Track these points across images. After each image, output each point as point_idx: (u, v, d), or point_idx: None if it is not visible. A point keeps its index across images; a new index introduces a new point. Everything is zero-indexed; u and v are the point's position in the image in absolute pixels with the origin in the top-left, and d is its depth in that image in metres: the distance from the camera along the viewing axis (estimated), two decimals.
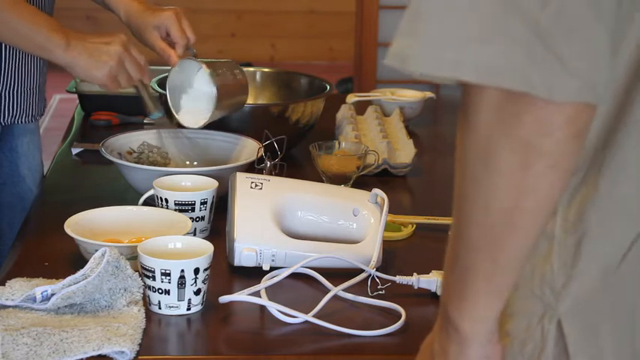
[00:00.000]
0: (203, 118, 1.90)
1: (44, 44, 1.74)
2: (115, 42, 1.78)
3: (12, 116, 1.90)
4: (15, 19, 1.72)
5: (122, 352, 1.30)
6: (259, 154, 1.85)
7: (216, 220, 1.69)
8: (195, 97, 1.94)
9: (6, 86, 1.87)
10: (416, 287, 1.50)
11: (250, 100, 2.28)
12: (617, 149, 0.93)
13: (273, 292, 1.47)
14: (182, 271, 1.40)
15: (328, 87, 2.19)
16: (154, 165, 1.92)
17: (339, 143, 2.00)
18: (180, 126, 1.96)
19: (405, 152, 2.09)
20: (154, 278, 1.41)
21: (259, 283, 1.48)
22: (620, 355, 0.96)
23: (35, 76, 1.93)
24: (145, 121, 2.29)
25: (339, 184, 1.89)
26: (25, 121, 1.93)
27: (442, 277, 1.00)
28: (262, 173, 1.80)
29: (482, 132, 0.88)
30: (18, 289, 1.42)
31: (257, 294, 1.45)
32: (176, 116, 1.94)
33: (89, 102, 2.40)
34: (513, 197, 0.89)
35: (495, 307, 0.96)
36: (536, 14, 0.83)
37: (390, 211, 1.64)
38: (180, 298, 1.42)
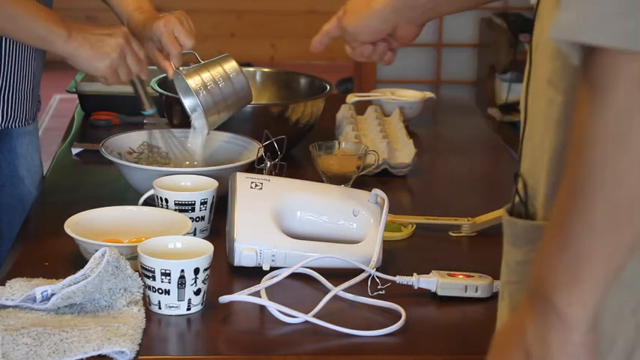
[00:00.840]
0: (204, 127, 1.92)
1: (45, 36, 1.74)
2: (116, 34, 1.78)
3: (5, 121, 1.89)
4: (16, 12, 1.72)
5: (122, 352, 1.30)
6: (259, 154, 1.85)
7: (216, 220, 1.69)
8: (193, 106, 1.95)
9: (1, 90, 1.87)
10: (416, 287, 1.50)
11: (252, 101, 2.28)
12: None
13: (273, 292, 1.47)
14: (182, 271, 1.40)
15: (328, 87, 2.19)
16: (154, 165, 1.92)
17: (339, 143, 2.00)
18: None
19: (405, 152, 2.09)
20: (154, 278, 1.41)
21: (259, 283, 1.48)
22: None
23: (28, 80, 1.92)
24: (145, 121, 2.29)
25: (339, 184, 1.89)
26: (18, 126, 1.93)
27: (541, 264, 0.96)
28: (262, 173, 1.80)
29: (621, 108, 0.87)
30: (18, 289, 1.42)
31: (257, 294, 1.45)
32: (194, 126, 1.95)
33: (89, 102, 2.40)
34: None
35: (605, 292, 0.93)
36: None
37: (390, 211, 1.64)
38: (180, 298, 1.42)
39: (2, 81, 1.86)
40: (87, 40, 1.76)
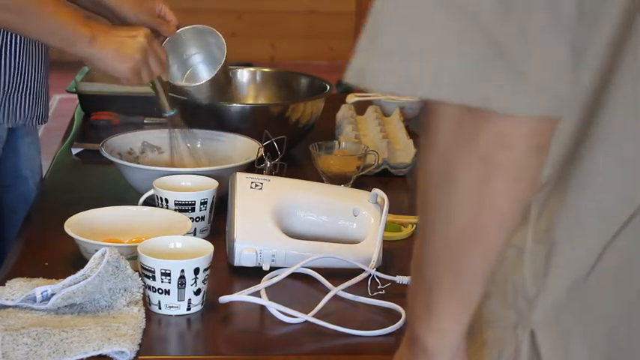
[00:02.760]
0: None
1: (69, 38, 1.73)
2: (139, 35, 1.78)
3: (22, 118, 1.90)
4: (40, 13, 1.72)
5: (122, 352, 1.30)
6: (259, 154, 1.85)
7: (216, 220, 1.69)
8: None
9: (15, 88, 1.87)
10: None
11: (250, 100, 2.28)
12: (584, 161, 0.92)
13: (273, 292, 1.47)
14: (182, 271, 1.40)
15: (328, 87, 2.19)
16: (154, 165, 1.92)
17: (339, 143, 2.00)
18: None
19: (405, 152, 2.09)
20: (154, 278, 1.41)
21: (259, 283, 1.48)
22: None
23: (42, 78, 1.93)
24: (145, 121, 2.29)
25: (339, 184, 1.89)
26: (35, 123, 1.94)
27: (409, 291, 0.99)
28: (262, 173, 1.80)
29: (443, 147, 0.88)
30: (18, 289, 1.42)
31: (257, 294, 1.45)
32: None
33: (89, 102, 2.40)
34: (474, 212, 0.88)
35: (461, 322, 0.95)
36: (496, 29, 0.82)
37: (390, 211, 1.64)
38: (180, 298, 1.42)
39: (21, 78, 1.87)
40: (110, 42, 1.75)
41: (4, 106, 1.86)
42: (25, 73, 1.88)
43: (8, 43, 1.84)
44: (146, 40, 1.78)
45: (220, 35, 1.96)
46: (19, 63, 1.87)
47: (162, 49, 1.84)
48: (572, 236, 0.94)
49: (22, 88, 1.88)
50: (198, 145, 1.99)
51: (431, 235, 0.93)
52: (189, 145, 1.96)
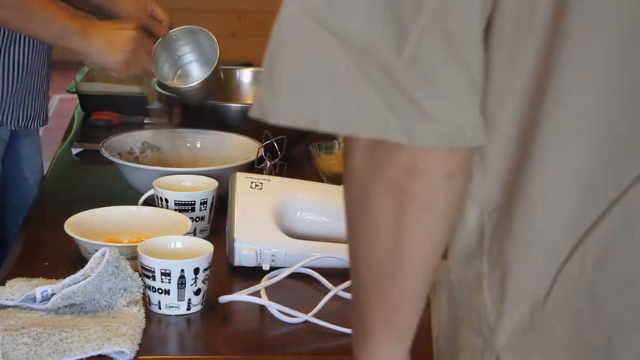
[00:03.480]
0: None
1: (61, 32, 1.75)
2: (129, 27, 1.80)
3: (25, 120, 1.90)
4: (31, 9, 1.73)
5: (122, 352, 1.30)
6: (259, 154, 1.85)
7: (216, 220, 1.69)
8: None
9: (19, 91, 1.88)
10: None
11: (250, 100, 2.28)
12: (527, 183, 0.90)
13: (273, 292, 1.47)
14: (182, 271, 1.40)
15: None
16: (154, 165, 1.92)
17: (339, 143, 2.00)
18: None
19: None
20: (154, 278, 1.41)
21: (259, 283, 1.48)
22: None
23: (43, 81, 1.94)
24: (145, 121, 2.29)
25: (339, 184, 1.88)
26: (35, 126, 1.94)
27: (350, 315, 0.99)
28: (262, 173, 1.80)
29: (358, 176, 0.88)
30: (18, 289, 1.42)
31: (257, 294, 1.45)
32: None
33: (89, 102, 2.40)
34: (392, 240, 0.88)
35: (398, 345, 0.95)
36: (392, 61, 0.82)
37: None
38: (180, 298, 1.42)
39: (25, 80, 1.87)
40: (102, 35, 1.78)
41: (8, 109, 1.86)
42: (28, 76, 1.89)
43: (12, 46, 1.85)
44: (136, 33, 1.80)
45: (213, 36, 1.96)
46: (22, 66, 1.87)
47: (151, 42, 1.85)
48: (523, 261, 0.92)
49: (25, 90, 1.89)
50: (198, 145, 1.99)
51: (356, 264, 0.93)
52: (171, 141, 1.97)
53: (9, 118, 1.87)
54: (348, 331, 1.39)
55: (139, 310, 1.40)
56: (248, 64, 2.45)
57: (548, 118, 0.87)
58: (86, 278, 1.39)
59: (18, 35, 1.84)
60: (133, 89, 2.33)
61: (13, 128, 1.90)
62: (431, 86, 0.83)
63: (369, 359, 0.97)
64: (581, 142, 0.88)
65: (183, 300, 1.42)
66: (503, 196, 0.92)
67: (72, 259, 1.55)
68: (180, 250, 1.48)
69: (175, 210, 1.66)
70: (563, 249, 0.91)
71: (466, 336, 0.98)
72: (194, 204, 1.67)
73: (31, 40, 1.86)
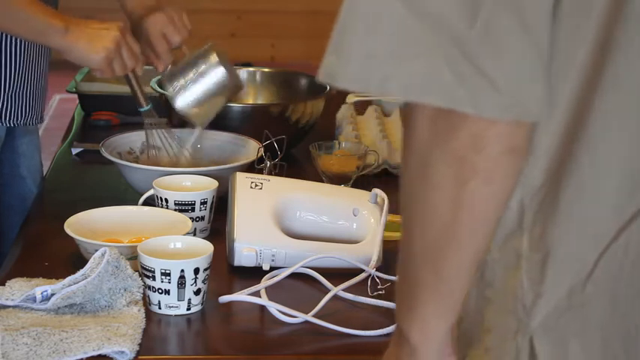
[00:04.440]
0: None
1: (42, 29, 1.74)
2: (113, 27, 1.79)
3: (23, 117, 1.90)
4: (12, 6, 1.73)
5: (122, 352, 1.30)
6: (259, 154, 1.85)
7: (216, 220, 1.69)
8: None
9: (17, 88, 1.88)
10: None
11: (250, 100, 2.28)
12: (575, 167, 0.91)
13: (273, 292, 1.47)
14: (182, 271, 1.40)
15: (328, 87, 2.19)
16: (154, 165, 1.92)
17: (339, 143, 2.00)
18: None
19: None
20: (153, 278, 1.41)
21: (259, 283, 1.48)
22: None
23: (41, 78, 1.94)
24: (145, 121, 2.29)
25: (339, 184, 1.89)
26: (33, 123, 1.94)
27: (396, 288, 1.00)
28: (262, 173, 1.80)
29: (420, 146, 0.88)
30: (18, 289, 1.42)
31: (257, 294, 1.45)
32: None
33: (89, 102, 2.40)
34: (450, 212, 0.89)
35: (444, 320, 0.96)
36: (463, 31, 0.83)
37: (390, 211, 1.64)
38: (180, 298, 1.42)
39: (20, 78, 1.87)
40: (84, 34, 1.76)
41: (5, 106, 1.86)
42: (25, 73, 1.89)
43: (10, 43, 1.85)
44: (119, 32, 1.78)
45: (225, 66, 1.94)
46: (20, 63, 1.87)
47: (136, 43, 1.83)
48: (567, 243, 0.93)
49: (23, 88, 1.89)
50: (198, 145, 1.99)
51: (411, 235, 0.94)
52: (168, 141, 1.96)
53: (6, 116, 1.87)
54: (348, 331, 1.39)
55: (139, 310, 1.40)
56: (248, 64, 2.45)
57: (602, 99, 0.88)
58: (86, 278, 1.39)
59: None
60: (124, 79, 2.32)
61: (10, 125, 1.90)
62: (501, 58, 0.84)
63: (414, 333, 0.97)
64: (632, 125, 0.89)
65: (183, 300, 1.42)
66: (547, 177, 0.93)
67: (72, 259, 1.55)
68: (180, 250, 1.48)
69: (175, 210, 1.66)
70: (609, 232, 0.92)
71: (495, 317, 0.99)
72: (194, 204, 1.67)
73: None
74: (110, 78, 1.85)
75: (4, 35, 1.83)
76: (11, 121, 1.88)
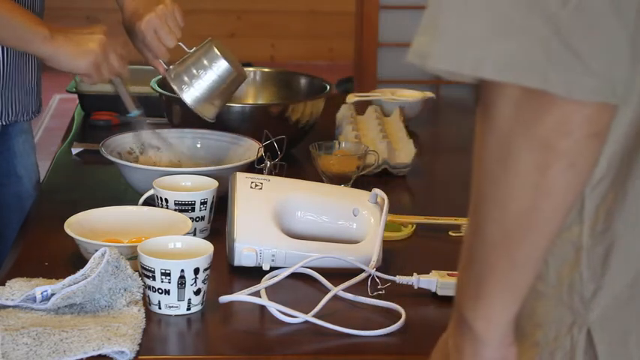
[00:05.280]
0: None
1: (24, 35, 1.73)
2: (98, 32, 1.77)
3: (14, 114, 1.90)
4: None
5: (122, 352, 1.30)
6: (259, 154, 1.85)
7: (216, 220, 1.69)
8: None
9: (8, 85, 1.87)
10: (416, 287, 1.50)
11: (250, 100, 2.28)
12: None
13: (273, 292, 1.47)
14: (182, 271, 1.40)
15: (328, 87, 2.19)
16: (155, 165, 1.92)
17: (339, 143, 2.00)
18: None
19: (405, 152, 2.09)
20: (153, 278, 1.41)
21: (259, 283, 1.48)
22: None
23: (31, 74, 1.93)
24: (145, 122, 2.29)
25: (339, 184, 1.89)
26: (24, 119, 1.94)
27: (457, 276, 0.99)
28: (262, 173, 1.80)
29: (502, 130, 0.88)
30: (18, 289, 1.42)
31: (257, 294, 1.45)
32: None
33: (89, 102, 2.40)
34: (530, 197, 0.88)
35: (510, 308, 0.95)
36: (557, 11, 0.83)
37: (390, 211, 1.64)
38: (180, 298, 1.42)
39: (6, 76, 1.87)
40: (69, 40, 1.75)
41: None
42: (14, 69, 1.88)
43: None
44: (104, 35, 1.77)
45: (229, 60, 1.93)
46: (8, 59, 1.86)
47: (122, 46, 1.82)
48: (632, 234, 0.93)
49: (12, 84, 1.88)
50: (198, 145, 1.99)
51: (485, 220, 0.93)
52: (157, 144, 1.96)
53: None
54: (348, 331, 1.39)
55: (139, 310, 1.40)
56: (248, 64, 2.45)
57: None
58: (86, 278, 1.39)
59: None
60: (133, 90, 2.32)
61: (2, 124, 1.89)
62: (593, 39, 0.84)
63: (479, 321, 0.96)
64: None
65: (183, 300, 1.42)
66: (610, 168, 0.93)
67: (72, 259, 1.55)
68: (180, 250, 1.48)
69: (175, 210, 1.66)
70: None
71: (547, 310, 0.99)
72: (194, 204, 1.67)
73: None
74: (97, 83, 1.83)
75: None
76: (3, 119, 1.88)
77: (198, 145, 1.99)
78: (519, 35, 0.84)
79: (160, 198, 1.68)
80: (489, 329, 0.96)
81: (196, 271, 1.41)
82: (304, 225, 1.63)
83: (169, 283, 1.40)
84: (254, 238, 1.56)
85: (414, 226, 1.76)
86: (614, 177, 0.94)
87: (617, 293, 0.95)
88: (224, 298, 1.43)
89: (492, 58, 0.85)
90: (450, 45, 0.87)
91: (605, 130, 0.87)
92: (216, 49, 1.93)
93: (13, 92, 1.89)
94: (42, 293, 1.40)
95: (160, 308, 1.42)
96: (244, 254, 1.55)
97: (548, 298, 0.99)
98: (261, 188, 1.62)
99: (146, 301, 1.43)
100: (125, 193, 1.85)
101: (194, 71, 1.91)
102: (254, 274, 1.54)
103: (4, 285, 1.44)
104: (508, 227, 0.91)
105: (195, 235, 1.65)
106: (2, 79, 1.87)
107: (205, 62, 1.92)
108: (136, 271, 1.43)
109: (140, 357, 1.31)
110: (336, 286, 1.49)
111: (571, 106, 0.84)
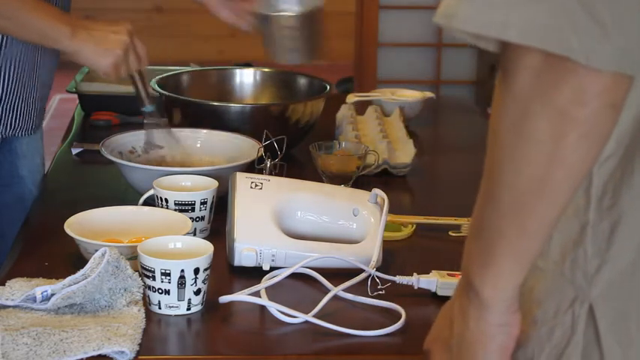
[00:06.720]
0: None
1: (48, 33, 1.75)
2: (120, 31, 1.79)
3: (13, 129, 1.90)
4: (17, 9, 1.72)
5: (122, 352, 1.30)
6: (259, 154, 1.85)
7: (216, 220, 1.69)
8: None
9: (8, 100, 1.87)
10: (416, 287, 1.50)
11: (250, 100, 2.28)
12: None
13: (273, 292, 1.47)
14: (182, 271, 1.40)
15: (328, 87, 2.19)
16: (154, 165, 1.92)
17: (339, 143, 2.00)
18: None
19: (405, 152, 2.09)
20: (153, 278, 1.41)
21: (259, 283, 1.48)
22: None
23: (35, 89, 1.92)
24: (145, 121, 2.29)
25: (339, 184, 1.89)
26: (24, 134, 1.93)
27: (466, 244, 1.00)
28: (262, 173, 1.80)
29: (520, 97, 0.89)
30: (18, 289, 1.42)
31: (257, 294, 1.45)
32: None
33: (89, 102, 2.40)
34: (545, 166, 0.89)
35: (517, 275, 0.96)
36: None
37: (390, 211, 1.64)
38: (180, 298, 1.42)
39: (11, 90, 1.86)
40: (91, 37, 1.77)
41: None
42: (17, 87, 1.87)
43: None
44: (127, 36, 1.79)
45: None
46: (10, 75, 1.86)
47: (142, 45, 1.83)
48: (639, 211, 0.94)
49: (12, 99, 1.87)
50: (198, 145, 1.99)
51: (498, 187, 0.94)
52: (161, 144, 1.96)
53: None
54: (348, 331, 1.39)
55: (139, 310, 1.40)
56: (248, 64, 2.45)
57: None
58: (86, 278, 1.39)
59: (3, 43, 1.82)
60: (133, 90, 2.32)
61: (1, 137, 1.89)
62: (617, 9, 0.85)
63: (487, 287, 0.97)
64: None
65: (183, 300, 1.42)
66: (619, 146, 0.94)
67: (72, 259, 1.55)
68: (180, 250, 1.48)
69: (175, 210, 1.66)
70: None
71: (547, 287, 0.99)
72: (194, 204, 1.67)
73: (20, 49, 1.84)
74: (112, 79, 1.85)
75: None
76: (3, 132, 1.88)
77: (198, 145, 1.99)
78: (545, 1, 0.85)
79: (160, 198, 1.68)
80: (496, 295, 0.97)
81: (196, 271, 1.41)
82: (304, 225, 1.63)
83: (169, 283, 1.40)
84: (254, 238, 1.56)
85: (414, 226, 1.76)
86: (622, 155, 0.95)
87: (621, 269, 0.95)
88: (224, 298, 1.43)
89: (518, 22, 0.86)
90: (477, 7, 0.87)
91: (621, 102, 0.88)
92: None
93: (12, 107, 1.88)
94: (42, 293, 1.40)
95: (160, 308, 1.42)
96: (244, 254, 1.55)
97: (548, 274, 0.99)
98: (261, 188, 1.62)
99: (146, 301, 1.43)
100: (125, 193, 1.85)
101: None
102: (254, 274, 1.54)
103: (4, 285, 1.44)
104: (520, 193, 0.92)
105: (195, 235, 1.65)
106: (7, 93, 1.86)
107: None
108: (136, 271, 1.43)
109: (140, 357, 1.31)
110: (336, 286, 1.49)
111: (590, 76, 0.85)
